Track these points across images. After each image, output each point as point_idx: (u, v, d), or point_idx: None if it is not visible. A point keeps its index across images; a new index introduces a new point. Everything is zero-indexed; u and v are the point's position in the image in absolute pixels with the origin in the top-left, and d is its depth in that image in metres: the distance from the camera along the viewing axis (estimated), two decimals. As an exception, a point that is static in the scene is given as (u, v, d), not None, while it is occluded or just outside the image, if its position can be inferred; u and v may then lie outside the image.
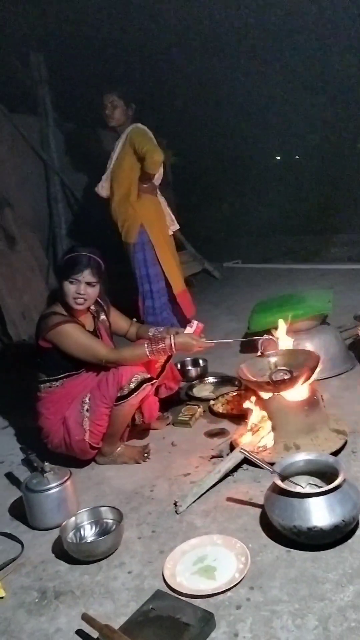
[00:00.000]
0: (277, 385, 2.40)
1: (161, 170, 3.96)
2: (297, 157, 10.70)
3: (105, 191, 3.95)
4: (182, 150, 8.55)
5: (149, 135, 3.87)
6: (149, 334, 2.73)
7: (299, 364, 2.56)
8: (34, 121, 6.49)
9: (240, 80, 8.48)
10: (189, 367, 3.61)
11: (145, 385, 2.43)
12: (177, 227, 4.30)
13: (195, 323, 2.72)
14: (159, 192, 4.12)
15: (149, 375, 2.49)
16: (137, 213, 3.85)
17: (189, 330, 2.68)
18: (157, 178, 4.00)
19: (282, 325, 2.75)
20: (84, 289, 2.47)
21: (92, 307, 2.67)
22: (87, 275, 2.46)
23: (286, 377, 2.42)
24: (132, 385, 2.40)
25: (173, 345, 2.49)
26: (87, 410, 2.44)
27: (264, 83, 8.60)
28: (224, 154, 9.87)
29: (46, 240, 6.42)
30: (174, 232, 4.31)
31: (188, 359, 3.66)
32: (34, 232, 6.07)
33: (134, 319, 2.92)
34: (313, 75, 8.61)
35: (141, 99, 7.70)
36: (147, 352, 2.47)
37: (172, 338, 2.50)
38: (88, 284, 2.47)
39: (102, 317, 2.74)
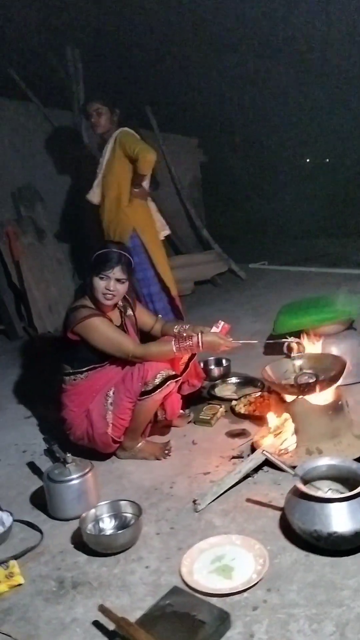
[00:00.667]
0: (301, 388, 2.38)
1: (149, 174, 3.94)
2: (327, 160, 10.60)
3: (97, 197, 3.95)
4: (213, 150, 8.55)
5: (137, 136, 3.88)
6: (175, 330, 2.74)
7: (324, 368, 2.54)
8: (68, 115, 6.54)
9: (275, 82, 8.43)
10: (212, 367, 3.61)
11: (169, 382, 2.44)
12: (169, 232, 4.29)
13: (221, 323, 2.71)
14: (149, 198, 4.11)
15: (173, 372, 2.50)
16: (129, 218, 3.85)
17: (215, 330, 2.67)
18: (147, 182, 3.99)
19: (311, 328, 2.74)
20: (113, 285, 2.49)
21: (120, 303, 2.69)
22: (117, 272, 2.48)
23: (311, 380, 2.40)
24: (157, 381, 2.41)
25: (200, 344, 2.49)
26: (111, 404, 2.46)
27: (299, 86, 8.53)
28: (254, 155, 9.84)
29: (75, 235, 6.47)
30: (165, 236, 4.29)
31: (211, 358, 3.65)
32: (62, 226, 6.14)
33: (159, 316, 2.93)
34: (348, 78, 8.51)
35: (174, 98, 7.75)
36: (174, 349, 2.48)
37: (199, 336, 2.50)
38: (118, 280, 2.50)
39: (129, 312, 2.76)
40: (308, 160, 10.95)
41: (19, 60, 6.08)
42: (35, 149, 6.21)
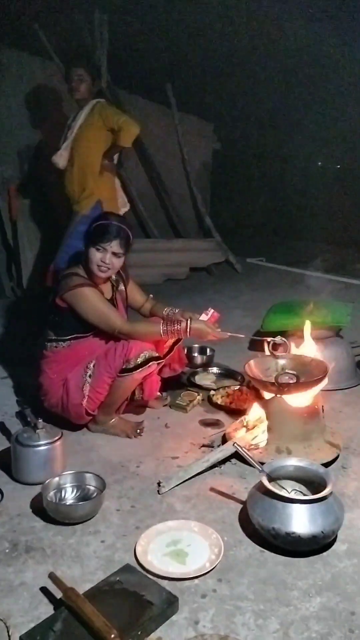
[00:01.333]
0: (281, 387, 2.38)
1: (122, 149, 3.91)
2: (338, 166, 10.55)
3: (63, 161, 3.89)
4: (228, 138, 8.46)
5: (118, 110, 3.87)
6: (164, 312, 2.73)
7: (306, 370, 2.54)
8: (87, 81, 6.43)
9: (296, 78, 8.34)
10: (195, 354, 3.60)
11: (151, 363, 2.43)
12: (128, 207, 4.24)
13: (211, 311, 2.70)
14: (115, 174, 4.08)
15: (157, 354, 2.49)
16: (97, 187, 3.81)
17: (204, 317, 2.66)
18: (117, 157, 3.97)
19: (307, 330, 2.75)
20: (109, 258, 2.46)
21: (113, 277, 2.66)
22: (114, 246, 2.45)
23: (292, 381, 2.40)
24: (139, 361, 2.40)
25: (188, 330, 2.48)
26: (90, 376, 2.45)
27: (319, 86, 8.45)
28: (267, 151, 9.75)
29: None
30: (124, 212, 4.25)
31: (196, 345, 3.65)
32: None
33: (151, 295, 2.91)
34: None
35: (196, 80, 7.63)
36: (161, 331, 2.46)
37: (188, 322, 2.49)
38: (114, 254, 2.47)
39: (121, 287, 2.73)
40: (320, 163, 10.88)
41: (46, 17, 5.93)
42: (49, 109, 6.09)
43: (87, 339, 2.55)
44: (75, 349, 2.54)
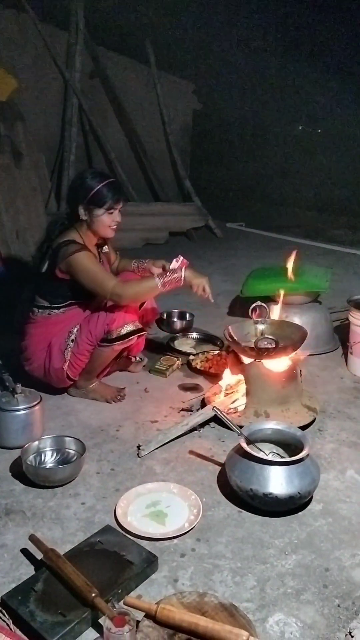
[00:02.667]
0: (260, 352, 2.39)
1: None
2: (319, 130, 10.43)
3: None
4: (208, 99, 8.27)
5: None
6: (133, 266, 2.73)
7: (285, 335, 2.56)
8: (63, 36, 6.19)
9: (279, 36, 8.14)
10: (175, 319, 3.60)
11: (134, 336, 2.43)
12: None
13: (180, 258, 2.66)
14: None
15: (140, 327, 2.48)
16: None
17: (174, 264, 2.63)
18: None
19: (280, 295, 2.74)
20: (118, 216, 2.45)
21: None
22: (122, 202, 2.45)
23: (271, 346, 2.41)
24: (122, 332, 2.39)
25: (183, 278, 2.41)
26: (72, 340, 2.43)
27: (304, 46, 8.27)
28: (250, 113, 9.57)
29: (53, 163, 6.23)
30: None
31: (175, 310, 3.64)
32: (42, 152, 5.89)
33: (117, 252, 2.86)
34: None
35: (176, 37, 7.39)
36: (159, 284, 2.37)
37: (183, 271, 2.42)
38: (119, 211, 2.46)
39: (105, 249, 2.68)
40: (301, 127, 10.74)
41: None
42: (23, 65, 5.87)
43: (80, 307, 2.51)
44: (68, 315, 2.50)
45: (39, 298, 2.51)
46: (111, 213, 2.42)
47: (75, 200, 2.42)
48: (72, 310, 2.51)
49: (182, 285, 2.44)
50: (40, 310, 2.50)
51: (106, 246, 2.70)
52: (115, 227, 2.48)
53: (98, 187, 2.38)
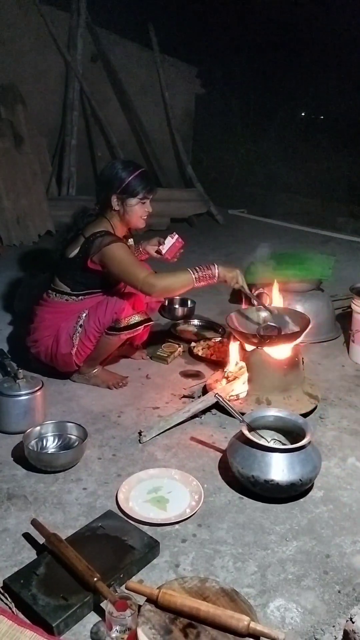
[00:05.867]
0: (263, 340, 2.39)
1: None
2: (322, 117, 10.32)
3: None
4: (211, 84, 8.17)
5: None
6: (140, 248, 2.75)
7: (288, 323, 2.55)
8: (65, 18, 6.10)
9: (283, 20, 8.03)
10: (176, 306, 3.58)
11: (140, 326, 2.43)
12: None
13: (175, 236, 2.66)
14: None
15: (147, 317, 2.48)
16: None
17: (169, 240, 2.64)
18: None
19: (277, 283, 2.72)
20: (150, 206, 2.45)
21: None
22: (154, 193, 2.44)
23: (273, 333, 2.41)
24: (130, 322, 2.39)
25: (217, 275, 2.35)
26: (81, 325, 2.41)
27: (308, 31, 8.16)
28: (253, 97, 9.46)
29: (54, 148, 6.18)
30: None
31: (177, 297, 3.63)
32: (43, 136, 5.85)
33: None
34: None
35: (172, 21, 7.27)
36: (194, 279, 2.32)
37: (216, 267, 2.35)
38: (150, 201, 2.45)
39: (130, 241, 2.67)
40: (303, 114, 10.63)
41: None
42: (24, 47, 5.79)
43: (98, 295, 2.49)
44: (84, 303, 2.48)
45: (59, 282, 2.49)
46: (144, 203, 2.41)
47: (108, 191, 2.40)
48: (88, 299, 2.48)
49: (216, 282, 2.38)
50: (57, 295, 2.48)
51: (131, 240, 2.68)
52: (146, 217, 2.47)
53: (131, 177, 2.37)
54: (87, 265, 2.38)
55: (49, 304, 2.51)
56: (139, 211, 2.42)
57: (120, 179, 2.37)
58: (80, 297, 2.48)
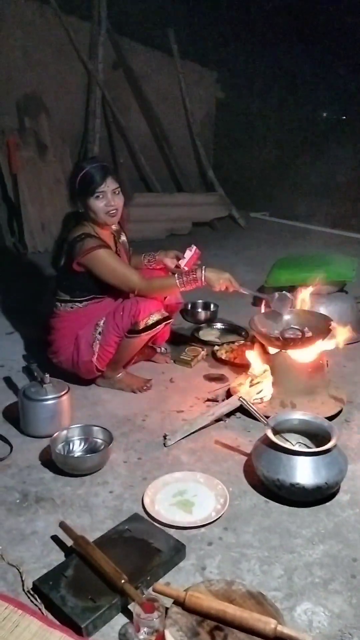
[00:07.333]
0: (286, 342, 2.38)
1: None
2: (344, 117, 10.23)
3: None
4: (231, 87, 8.18)
5: None
6: (144, 260, 2.76)
7: (311, 325, 2.54)
8: (86, 27, 6.18)
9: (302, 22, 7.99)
10: (199, 310, 3.60)
11: (160, 325, 2.45)
12: None
13: (194, 248, 2.66)
14: None
15: (166, 314, 2.49)
16: None
17: (188, 253, 2.63)
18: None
19: (307, 286, 2.73)
20: (112, 199, 2.39)
21: (114, 227, 2.61)
22: (110, 183, 2.37)
23: (296, 336, 2.40)
24: (149, 322, 2.40)
25: (203, 278, 2.41)
26: (100, 333, 2.45)
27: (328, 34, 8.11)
28: (274, 99, 9.44)
29: (77, 155, 6.26)
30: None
31: (200, 301, 3.64)
32: (66, 144, 5.93)
33: (130, 247, 2.86)
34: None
35: (192, 27, 7.31)
36: (178, 283, 2.41)
37: (202, 270, 2.42)
38: (113, 192, 2.40)
39: (122, 238, 2.69)
40: (325, 114, 10.55)
41: None
42: (47, 57, 5.89)
43: (104, 300, 2.53)
44: (91, 309, 2.52)
45: (60, 292, 2.54)
46: (98, 197, 2.37)
47: (72, 197, 2.45)
48: (94, 303, 2.52)
49: (203, 286, 2.45)
50: (62, 305, 2.53)
51: (124, 236, 2.70)
52: (113, 211, 2.42)
53: (78, 179, 2.38)
54: (73, 268, 2.42)
55: (59, 315, 2.55)
56: (99, 207, 2.39)
57: (72, 184, 2.42)
58: (83, 303, 2.51)
